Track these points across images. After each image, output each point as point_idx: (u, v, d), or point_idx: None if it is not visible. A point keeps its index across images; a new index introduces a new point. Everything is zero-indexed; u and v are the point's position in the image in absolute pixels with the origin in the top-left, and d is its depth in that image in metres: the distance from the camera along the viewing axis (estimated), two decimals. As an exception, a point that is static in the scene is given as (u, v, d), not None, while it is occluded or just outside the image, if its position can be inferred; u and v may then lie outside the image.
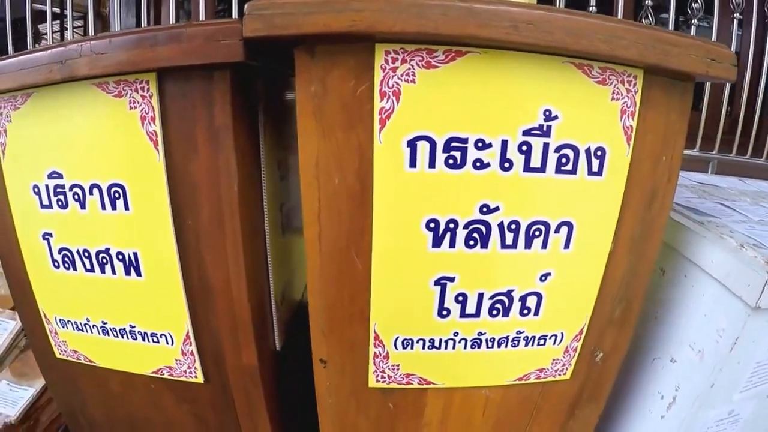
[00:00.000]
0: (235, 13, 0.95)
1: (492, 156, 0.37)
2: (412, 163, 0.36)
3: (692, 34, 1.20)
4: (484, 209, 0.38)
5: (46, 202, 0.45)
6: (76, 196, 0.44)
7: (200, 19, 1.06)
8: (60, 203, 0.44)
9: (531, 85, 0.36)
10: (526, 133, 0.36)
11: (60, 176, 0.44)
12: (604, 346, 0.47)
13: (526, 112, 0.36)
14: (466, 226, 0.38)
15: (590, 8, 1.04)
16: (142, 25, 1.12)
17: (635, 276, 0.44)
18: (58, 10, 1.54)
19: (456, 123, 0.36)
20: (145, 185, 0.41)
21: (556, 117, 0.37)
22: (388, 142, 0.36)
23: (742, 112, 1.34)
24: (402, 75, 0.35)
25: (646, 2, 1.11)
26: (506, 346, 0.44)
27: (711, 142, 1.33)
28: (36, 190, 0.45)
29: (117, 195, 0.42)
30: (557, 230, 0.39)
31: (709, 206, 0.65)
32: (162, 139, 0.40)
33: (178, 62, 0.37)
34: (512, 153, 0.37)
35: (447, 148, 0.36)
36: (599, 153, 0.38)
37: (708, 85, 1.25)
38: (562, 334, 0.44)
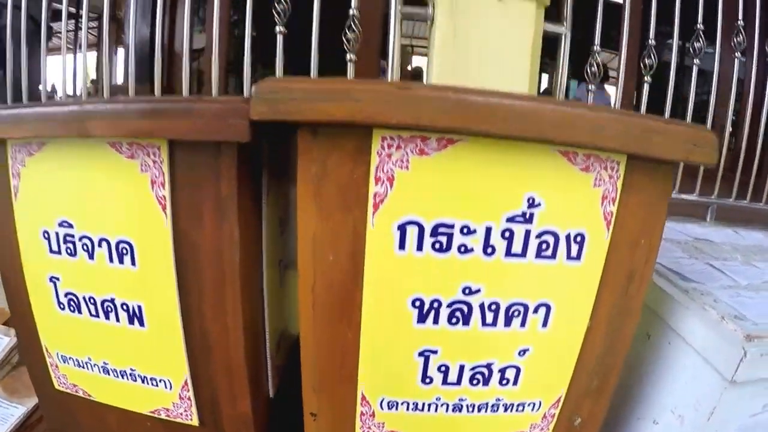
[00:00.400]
0: (248, 26, 0.97)
1: (476, 242, 0.39)
2: (401, 246, 0.39)
3: (693, 75, 1.22)
4: (467, 291, 0.41)
5: (55, 248, 0.48)
6: (84, 247, 0.47)
7: (214, 30, 1.08)
8: (69, 251, 0.48)
9: (517, 173, 0.39)
10: (510, 219, 0.39)
11: (70, 226, 0.47)
12: (582, 413, 0.49)
13: (510, 199, 0.39)
14: (449, 305, 0.41)
15: (594, 46, 1.07)
16: (156, 33, 1.14)
17: (612, 351, 0.47)
18: (73, 10, 1.58)
19: (444, 209, 0.39)
20: (151, 245, 0.44)
21: (539, 204, 0.39)
22: (380, 225, 0.39)
23: (743, 151, 1.36)
24: (396, 161, 0.38)
25: (649, 42, 1.14)
26: (486, 411, 0.46)
27: (712, 181, 1.34)
28: (46, 235, 0.49)
29: (125, 251, 0.46)
30: (535, 311, 0.42)
31: (697, 269, 0.68)
32: (170, 204, 0.43)
33: (187, 137, 0.40)
34: (495, 239, 0.39)
35: (434, 233, 0.39)
36: (579, 239, 0.41)
37: (710, 121, 1.27)
38: (540, 402, 0.47)
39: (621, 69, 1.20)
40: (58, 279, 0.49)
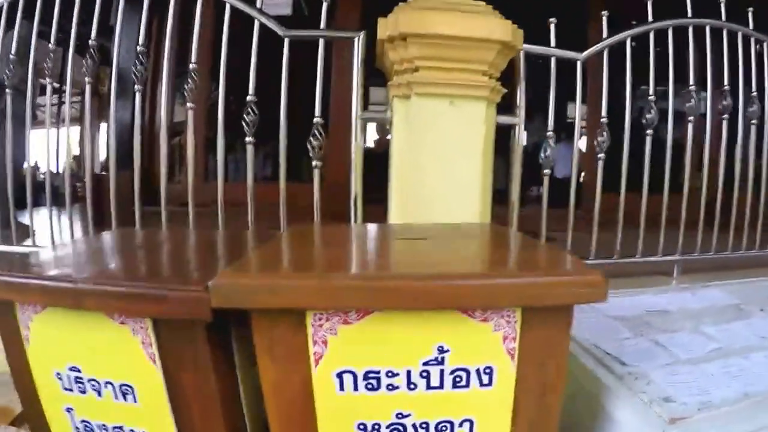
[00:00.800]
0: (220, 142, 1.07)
1: (400, 381, 0.52)
2: (341, 388, 0.52)
3: (647, 146, 1.26)
4: (399, 416, 0.53)
5: (67, 386, 0.63)
6: (93, 387, 0.61)
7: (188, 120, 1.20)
8: (80, 389, 0.62)
9: (426, 330, 0.51)
10: (425, 363, 0.52)
11: (78, 370, 0.61)
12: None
13: (423, 349, 0.51)
14: (387, 427, 0.54)
15: (548, 132, 1.15)
16: (136, 109, 1.26)
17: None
18: (57, 85, 1.71)
19: (370, 360, 0.51)
20: (148, 388, 0.58)
21: (448, 350, 0.51)
22: (322, 374, 0.52)
23: (702, 206, 1.42)
24: (327, 329, 0.50)
25: (601, 120, 1.21)
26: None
27: (678, 226, 1.41)
28: (58, 375, 0.63)
29: (126, 392, 0.59)
30: (461, 425, 0.55)
31: (640, 348, 0.77)
32: (159, 359, 0.56)
33: (163, 316, 0.53)
34: (415, 378, 0.52)
35: (365, 377, 0.52)
36: (488, 371, 0.53)
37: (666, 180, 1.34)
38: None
39: (575, 148, 1.27)
40: (72, 409, 0.63)
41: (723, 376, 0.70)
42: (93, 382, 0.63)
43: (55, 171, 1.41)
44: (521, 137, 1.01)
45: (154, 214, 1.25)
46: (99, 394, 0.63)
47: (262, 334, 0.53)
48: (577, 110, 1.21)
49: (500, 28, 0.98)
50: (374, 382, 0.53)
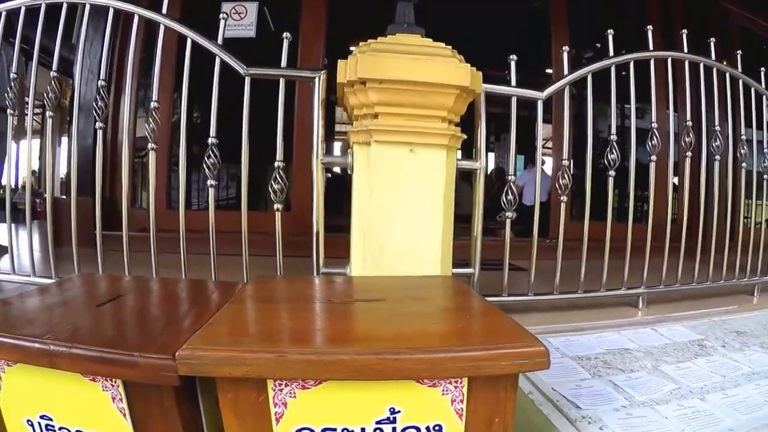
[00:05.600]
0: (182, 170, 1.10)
1: (355, 438, 0.58)
2: (300, 446, 0.58)
3: (610, 189, 1.34)
4: (353, 470, 0.59)
5: (40, 434, 0.67)
6: (65, 436, 0.65)
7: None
8: (52, 437, 0.66)
9: (379, 393, 0.57)
10: (378, 422, 0.58)
11: (50, 419, 0.65)
12: None
13: (376, 409, 0.57)
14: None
15: (509, 177, 1.20)
16: (99, 143, 1.28)
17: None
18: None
19: (327, 418, 0.57)
20: (117, 439, 0.63)
21: (399, 411, 0.58)
22: (283, 431, 0.57)
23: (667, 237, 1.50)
24: (286, 393, 0.56)
25: (563, 162, 1.27)
26: None
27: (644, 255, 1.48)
28: (29, 423, 0.67)
29: (97, 442, 0.64)
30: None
31: (595, 390, 0.84)
32: (129, 412, 0.61)
33: (133, 380, 0.58)
34: (370, 435, 0.58)
35: (324, 436, 0.57)
36: (437, 428, 0.59)
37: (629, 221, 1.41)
38: None
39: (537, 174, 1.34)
40: (46, 456, 0.67)
41: (677, 419, 0.76)
42: (64, 431, 0.67)
43: (13, 186, 1.42)
44: (481, 181, 1.07)
45: (116, 238, 1.28)
46: (70, 442, 0.68)
47: (226, 396, 0.58)
48: (538, 148, 1.26)
49: (458, 73, 1.01)
50: None
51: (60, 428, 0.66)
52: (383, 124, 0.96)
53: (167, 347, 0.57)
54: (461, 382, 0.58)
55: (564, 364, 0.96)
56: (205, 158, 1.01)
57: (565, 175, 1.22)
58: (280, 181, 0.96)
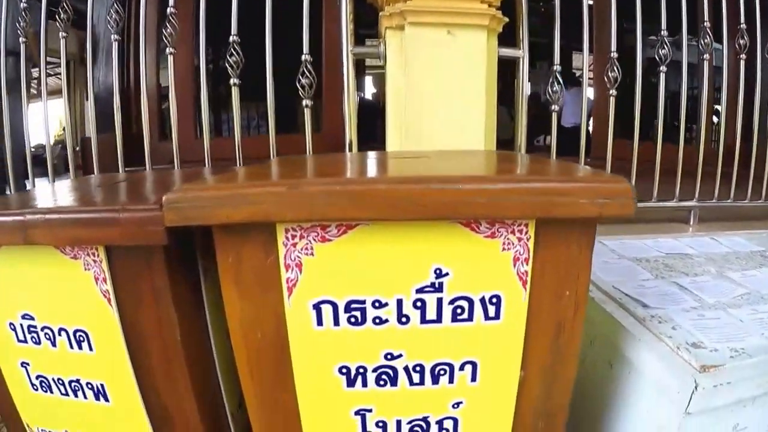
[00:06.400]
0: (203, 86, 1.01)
1: (389, 313, 0.45)
2: (319, 323, 0.45)
3: (661, 84, 1.18)
4: (389, 356, 0.46)
5: (21, 337, 0.57)
6: (47, 336, 0.56)
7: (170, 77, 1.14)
8: (34, 340, 0.57)
9: (420, 247, 0.44)
10: (420, 291, 0.44)
11: (32, 318, 0.56)
12: (532, 453, 0.55)
13: (417, 273, 0.44)
14: (374, 370, 0.47)
15: (554, 66, 1.07)
16: (125, 77, 1.22)
17: (553, 396, 0.52)
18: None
19: (353, 287, 0.44)
20: (103, 332, 0.53)
21: (447, 274, 0.44)
22: (296, 305, 0.45)
23: (721, 150, 1.33)
24: (302, 249, 0.44)
25: (611, 54, 1.13)
26: (432, 459, 0.52)
27: (694, 179, 1.33)
28: (12, 326, 0.58)
29: (81, 338, 0.54)
30: (462, 368, 0.48)
31: (661, 291, 0.70)
32: (114, 297, 0.51)
33: (115, 243, 0.47)
34: (408, 309, 0.45)
35: (348, 309, 0.45)
36: (494, 300, 0.46)
37: (682, 125, 1.25)
38: (483, 448, 0.52)
39: (584, 83, 1.19)
40: (28, 364, 0.58)
41: (754, 323, 0.63)
42: (47, 331, 0.57)
43: (44, 143, 1.39)
44: (525, 73, 0.94)
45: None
46: (53, 343, 0.58)
47: (226, 259, 0.46)
48: (585, 34, 1.11)
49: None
50: (358, 314, 0.46)
51: (43, 328, 0.56)
52: (418, 5, 0.85)
53: (154, 202, 0.47)
54: (527, 233, 0.44)
55: (622, 264, 0.82)
56: (228, 57, 0.91)
57: (614, 67, 1.07)
58: (308, 75, 0.85)
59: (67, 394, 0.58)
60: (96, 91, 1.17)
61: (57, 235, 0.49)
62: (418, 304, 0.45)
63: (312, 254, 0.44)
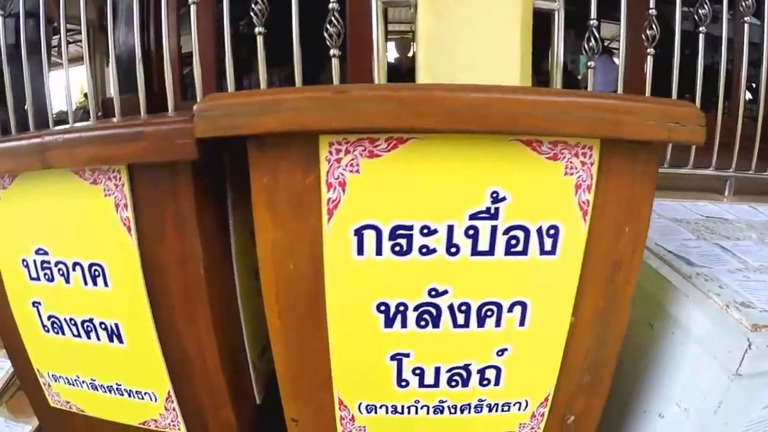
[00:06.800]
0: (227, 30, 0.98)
1: (438, 242, 0.41)
2: (360, 251, 0.42)
3: (700, 45, 1.15)
4: (433, 293, 0.43)
5: (34, 274, 0.54)
6: (60, 272, 0.52)
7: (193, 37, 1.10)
8: (47, 277, 0.53)
9: (476, 167, 0.40)
10: (473, 217, 0.41)
11: (46, 253, 0.52)
12: (575, 410, 0.51)
13: (472, 196, 0.40)
14: (416, 309, 0.43)
15: (591, 20, 1.03)
16: (145, 40, 1.18)
17: (603, 345, 0.48)
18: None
19: (401, 211, 0.41)
20: (121, 265, 0.49)
21: (504, 198, 0.40)
22: (336, 231, 0.41)
23: (760, 120, 1.29)
24: (346, 166, 0.40)
25: (650, 11, 1.08)
26: (469, 413, 0.49)
27: (730, 152, 1.29)
28: (25, 263, 0.54)
29: (97, 273, 0.50)
30: (510, 309, 0.44)
31: (704, 251, 0.66)
32: (135, 225, 0.47)
33: (141, 159, 0.43)
34: (459, 238, 0.41)
35: (393, 236, 0.41)
36: (552, 232, 0.42)
37: (721, 87, 1.20)
38: (526, 401, 0.49)
39: (622, 41, 1.14)
40: (40, 303, 0.55)
41: None
42: (61, 266, 0.53)
43: (65, 110, 1.36)
44: (561, 24, 0.90)
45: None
46: (67, 280, 0.54)
47: (260, 179, 0.42)
48: None
49: None
50: (404, 242, 0.42)
51: (57, 263, 0.52)
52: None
53: (184, 116, 0.43)
54: (591, 156, 0.40)
55: (662, 223, 0.79)
56: (252, 5, 0.87)
57: (653, 25, 1.02)
58: (336, 23, 0.81)
59: (79, 336, 0.54)
60: (117, 53, 1.13)
61: (77, 156, 0.45)
62: (470, 232, 0.41)
63: (357, 171, 0.40)
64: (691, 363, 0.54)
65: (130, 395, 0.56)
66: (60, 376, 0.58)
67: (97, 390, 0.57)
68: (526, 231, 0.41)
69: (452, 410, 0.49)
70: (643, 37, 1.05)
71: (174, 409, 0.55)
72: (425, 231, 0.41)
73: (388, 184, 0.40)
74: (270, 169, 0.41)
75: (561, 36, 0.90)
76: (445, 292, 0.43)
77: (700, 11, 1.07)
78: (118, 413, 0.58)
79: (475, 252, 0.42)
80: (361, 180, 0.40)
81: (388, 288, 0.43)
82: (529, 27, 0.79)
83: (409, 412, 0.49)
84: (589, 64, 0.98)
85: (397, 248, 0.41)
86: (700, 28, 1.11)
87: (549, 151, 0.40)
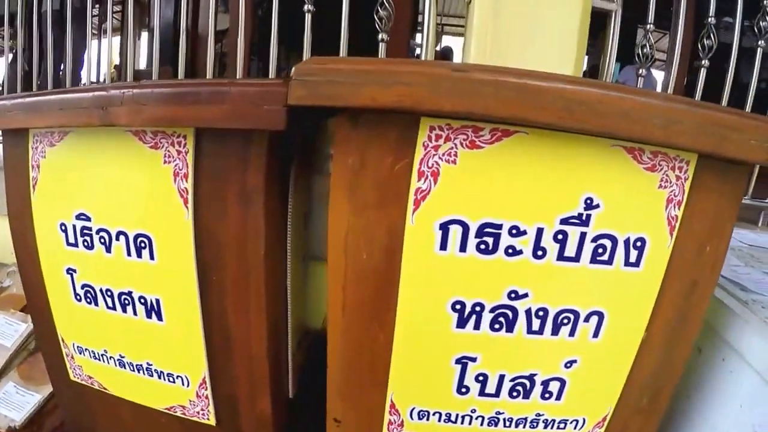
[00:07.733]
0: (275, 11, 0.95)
1: (525, 243, 0.39)
2: (443, 247, 0.39)
3: (758, 58, 1.15)
4: (513, 295, 0.41)
5: (72, 240, 0.50)
6: (102, 240, 0.49)
7: (239, 13, 1.06)
8: (86, 244, 0.49)
9: (575, 171, 0.38)
10: (564, 221, 0.39)
11: (88, 219, 0.49)
12: None
13: (566, 200, 0.39)
14: (492, 310, 0.41)
15: (648, 25, 1.02)
16: (181, 19, 1.14)
17: (668, 366, 0.47)
18: None
19: (492, 208, 0.39)
20: (171, 239, 0.46)
21: (597, 206, 0.39)
22: (420, 223, 0.39)
23: None
24: (443, 154, 0.38)
25: (709, 20, 1.08)
26: (524, 427, 0.47)
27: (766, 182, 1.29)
28: (63, 227, 0.50)
29: (143, 245, 0.47)
30: (587, 319, 0.42)
31: (756, 278, 0.66)
32: (192, 198, 0.44)
33: (217, 125, 0.40)
34: (547, 241, 0.39)
35: (480, 233, 0.39)
36: (639, 244, 0.40)
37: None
38: (584, 420, 0.47)
39: (677, 49, 1.14)
40: (74, 271, 0.51)
41: None
42: (102, 234, 0.50)
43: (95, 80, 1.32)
44: (617, 25, 0.88)
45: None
46: (108, 249, 0.50)
47: (344, 161, 0.39)
48: None
49: None
50: (490, 241, 0.40)
51: (98, 230, 0.49)
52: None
53: (268, 81, 0.40)
54: (686, 171, 0.39)
55: None
56: None
57: (710, 34, 0.99)
58: (387, 6, 0.78)
59: (114, 308, 0.50)
60: (153, 26, 1.09)
61: (146, 114, 0.41)
62: (559, 236, 0.39)
63: (454, 162, 0.38)
64: (744, 393, 0.53)
65: (160, 377, 0.52)
66: (86, 349, 0.54)
67: (125, 368, 0.53)
68: (614, 241, 0.40)
69: (507, 423, 0.47)
70: (699, 47, 1.03)
71: (207, 397, 0.52)
72: (514, 231, 0.39)
73: (483, 179, 0.38)
74: (358, 148, 0.38)
75: (616, 37, 0.89)
76: (525, 295, 0.41)
77: (761, 23, 1.05)
78: (143, 395, 0.54)
79: (561, 257, 0.40)
80: (455, 171, 0.38)
81: (466, 287, 0.40)
82: (587, 25, 0.78)
83: (462, 422, 0.46)
84: (641, 71, 0.96)
85: (482, 246, 0.39)
86: (760, 42, 1.08)
87: (648, 161, 0.38)
